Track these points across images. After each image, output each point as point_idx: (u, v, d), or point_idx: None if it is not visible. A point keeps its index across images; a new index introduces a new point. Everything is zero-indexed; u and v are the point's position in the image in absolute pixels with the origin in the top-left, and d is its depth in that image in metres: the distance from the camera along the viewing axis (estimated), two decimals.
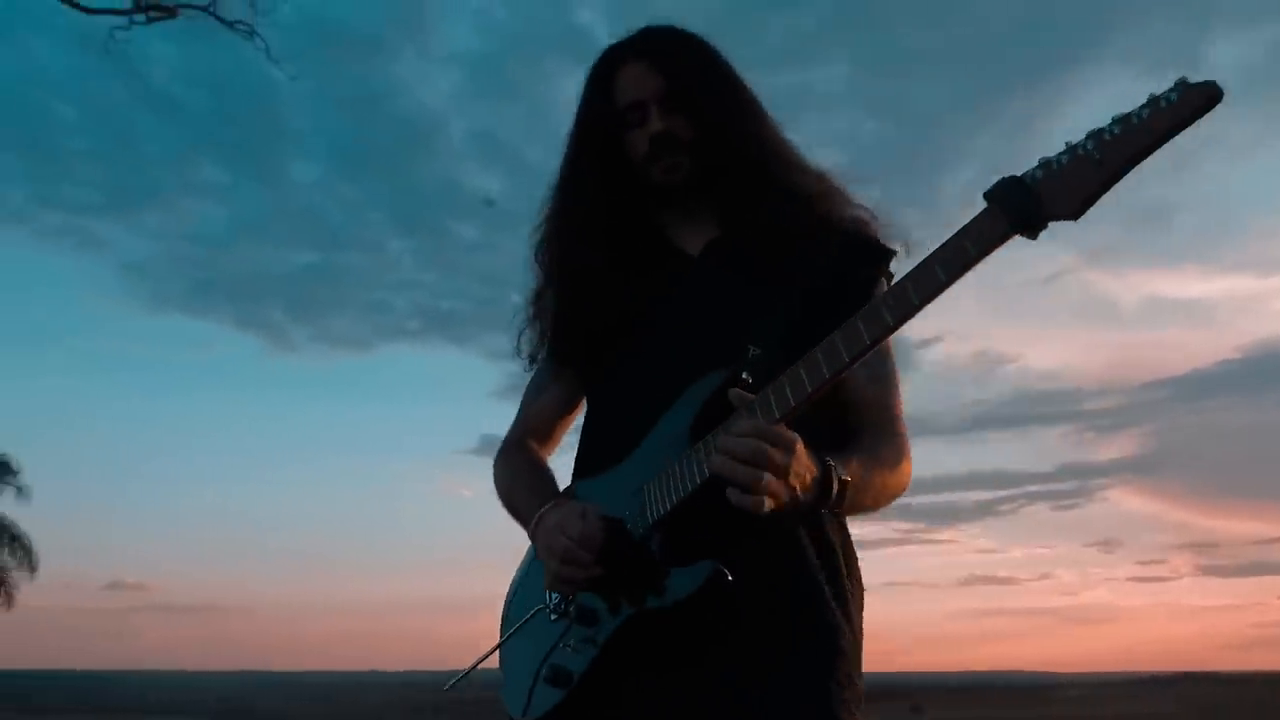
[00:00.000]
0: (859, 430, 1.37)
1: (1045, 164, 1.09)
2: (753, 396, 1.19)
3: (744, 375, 1.24)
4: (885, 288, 1.35)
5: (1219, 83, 1.01)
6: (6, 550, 17.76)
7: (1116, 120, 1.06)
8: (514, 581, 1.52)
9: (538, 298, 1.56)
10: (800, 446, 1.15)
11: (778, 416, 1.17)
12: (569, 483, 1.51)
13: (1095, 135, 1.07)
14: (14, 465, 18.12)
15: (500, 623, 1.48)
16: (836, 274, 1.37)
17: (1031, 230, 1.09)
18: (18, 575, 17.83)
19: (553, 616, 1.33)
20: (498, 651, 1.43)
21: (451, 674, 1.44)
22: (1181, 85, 1.03)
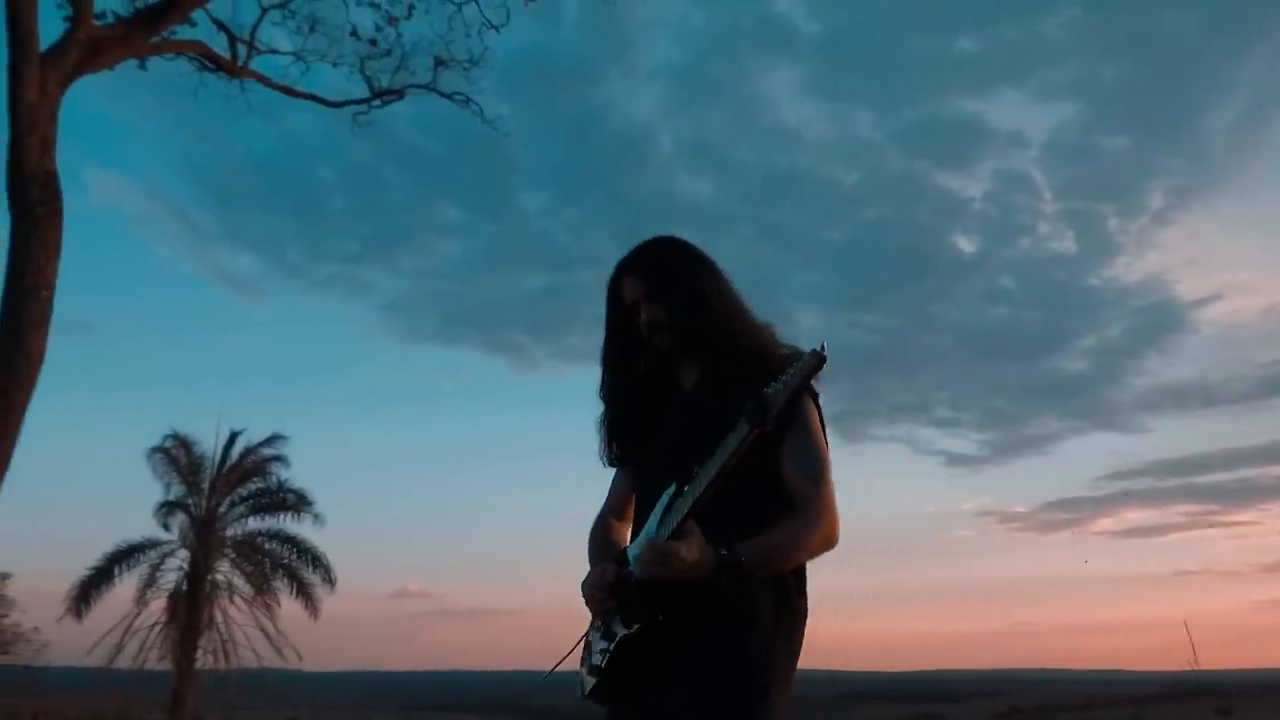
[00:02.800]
0: (794, 508, 1.98)
1: (772, 386, 1.77)
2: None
3: (685, 489, 1.91)
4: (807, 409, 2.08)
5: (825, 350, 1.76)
6: (311, 570, 19.16)
7: (790, 370, 1.78)
8: None
9: (602, 421, 2.33)
10: (682, 548, 1.82)
11: (678, 521, 1.88)
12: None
13: (785, 376, 1.78)
14: (309, 496, 19.49)
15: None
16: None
17: (762, 429, 1.76)
18: (320, 590, 19.15)
19: (597, 634, 2.07)
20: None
21: None
22: (812, 352, 1.76)
